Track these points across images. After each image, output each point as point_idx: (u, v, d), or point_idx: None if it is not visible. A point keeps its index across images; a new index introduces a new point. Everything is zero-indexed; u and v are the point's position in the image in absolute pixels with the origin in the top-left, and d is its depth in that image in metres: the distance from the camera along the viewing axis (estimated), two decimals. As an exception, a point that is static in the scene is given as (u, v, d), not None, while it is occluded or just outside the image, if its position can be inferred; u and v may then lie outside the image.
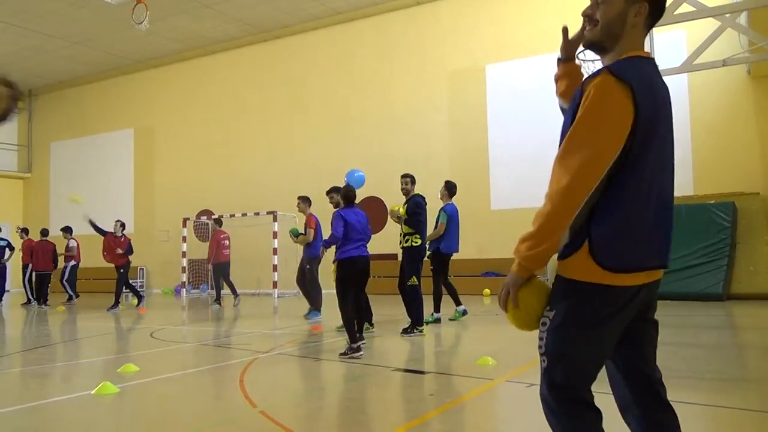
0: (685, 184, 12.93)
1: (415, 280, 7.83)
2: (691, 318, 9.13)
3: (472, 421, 4.10)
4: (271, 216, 16.60)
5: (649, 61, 2.03)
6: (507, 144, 15.83)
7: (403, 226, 8.06)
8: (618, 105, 1.82)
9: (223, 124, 20.45)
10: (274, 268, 16.39)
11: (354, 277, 6.60)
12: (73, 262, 15.68)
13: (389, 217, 8.35)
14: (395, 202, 16.57)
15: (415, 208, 7.98)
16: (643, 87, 1.86)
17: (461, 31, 16.76)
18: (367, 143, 17.77)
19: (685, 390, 4.62)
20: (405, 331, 7.65)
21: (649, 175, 1.88)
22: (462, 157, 16.35)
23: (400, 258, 8.35)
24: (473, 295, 14.18)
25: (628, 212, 1.86)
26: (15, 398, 5.06)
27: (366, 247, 6.81)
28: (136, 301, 14.40)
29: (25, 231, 16.69)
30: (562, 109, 2.40)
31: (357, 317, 6.56)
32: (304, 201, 10.63)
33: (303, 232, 10.31)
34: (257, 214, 17.23)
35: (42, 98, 25.42)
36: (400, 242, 8.11)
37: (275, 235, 16.44)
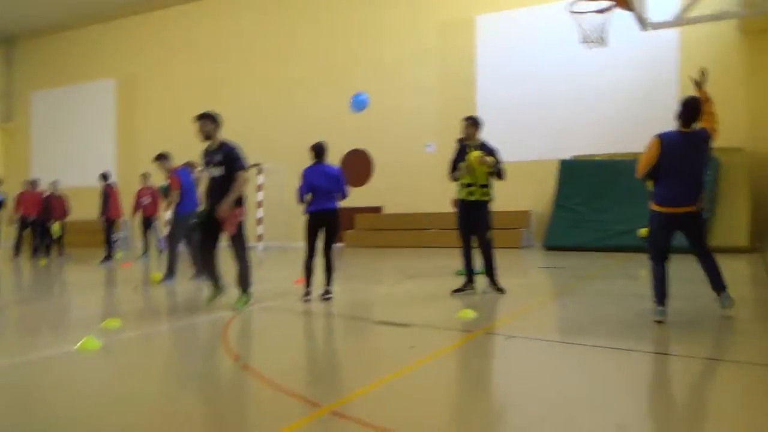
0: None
1: (491, 234, 7.09)
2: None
3: (451, 374, 4.17)
4: (256, 168, 16.45)
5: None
6: (494, 97, 15.71)
7: (479, 176, 6.95)
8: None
9: (208, 74, 20.08)
10: (259, 221, 16.36)
11: (312, 230, 7.21)
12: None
13: (472, 165, 6.85)
14: (382, 154, 16.62)
15: (494, 152, 6.96)
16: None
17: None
18: (353, 93, 17.55)
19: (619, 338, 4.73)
20: (496, 288, 7.16)
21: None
22: (450, 109, 16.21)
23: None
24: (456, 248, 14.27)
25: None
26: (-3, 351, 5.07)
27: (327, 201, 7.13)
28: (121, 253, 14.35)
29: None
30: None
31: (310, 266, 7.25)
32: (162, 159, 9.49)
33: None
34: (242, 166, 17.06)
35: (22, 45, 24.75)
36: (472, 194, 7.03)
37: (260, 188, 16.35)
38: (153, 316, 6.93)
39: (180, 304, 7.50)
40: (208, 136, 6.67)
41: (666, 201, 5.26)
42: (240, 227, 6.60)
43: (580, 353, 4.46)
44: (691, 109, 5.23)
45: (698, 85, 5.66)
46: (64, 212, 14.87)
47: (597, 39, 7.69)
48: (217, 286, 6.78)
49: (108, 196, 13.53)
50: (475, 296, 7.22)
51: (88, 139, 22.54)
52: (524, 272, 10.22)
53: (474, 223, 7.10)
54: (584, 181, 13.58)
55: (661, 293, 5.31)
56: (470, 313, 5.78)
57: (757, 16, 8.42)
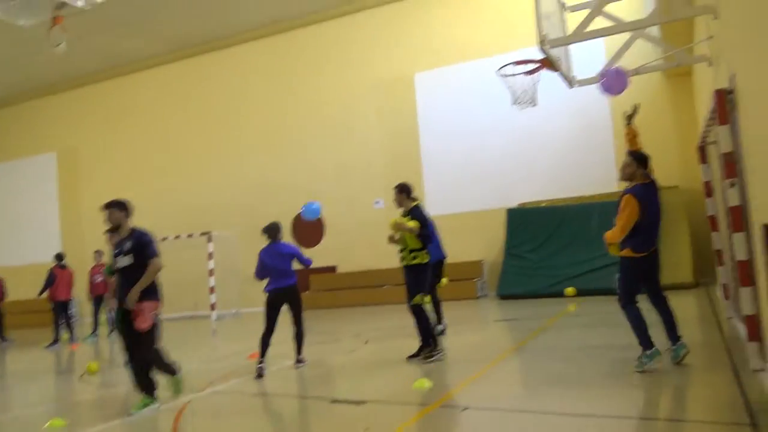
0: (608, 182, 13.37)
1: (423, 299, 7.00)
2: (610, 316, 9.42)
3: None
4: (206, 237, 16.21)
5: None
6: (438, 150, 16.01)
7: (408, 241, 6.99)
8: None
9: (152, 143, 19.91)
10: (211, 290, 16.02)
11: (271, 308, 7.51)
12: None
13: (393, 232, 7.00)
14: (333, 213, 16.63)
15: (419, 215, 6.95)
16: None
17: (390, 41, 16.88)
18: (302, 154, 17.67)
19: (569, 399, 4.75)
20: (428, 356, 6.94)
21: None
22: (396, 164, 16.43)
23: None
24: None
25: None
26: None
27: (284, 279, 7.51)
28: (67, 335, 13.78)
29: None
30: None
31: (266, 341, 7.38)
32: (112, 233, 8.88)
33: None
34: (190, 236, 16.82)
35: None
36: (403, 259, 7.09)
37: (211, 255, 16.07)
38: (100, 410, 6.63)
39: (128, 395, 7.20)
40: (117, 225, 6.22)
41: (643, 247, 5.50)
42: (155, 326, 5.87)
43: (536, 424, 4.43)
44: (644, 159, 5.75)
45: (629, 119, 6.15)
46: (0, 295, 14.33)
47: (528, 100, 7.94)
48: (172, 374, 6.20)
49: (55, 277, 13.15)
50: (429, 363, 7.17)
51: (29, 215, 21.89)
52: (479, 326, 10.25)
53: (407, 288, 7.13)
54: (532, 228, 13.83)
55: (648, 336, 5.46)
56: (426, 383, 5.72)
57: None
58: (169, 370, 6.18)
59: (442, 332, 8.71)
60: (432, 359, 6.95)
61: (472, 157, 15.55)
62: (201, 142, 19.16)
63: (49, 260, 16.06)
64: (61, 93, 21.62)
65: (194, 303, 17.52)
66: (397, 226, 6.91)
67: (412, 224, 6.88)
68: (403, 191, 7.22)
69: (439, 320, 8.79)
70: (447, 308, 11.40)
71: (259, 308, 17.34)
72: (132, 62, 19.93)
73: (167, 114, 19.77)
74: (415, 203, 7.19)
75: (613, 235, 5.52)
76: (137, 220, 20.47)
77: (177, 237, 17.11)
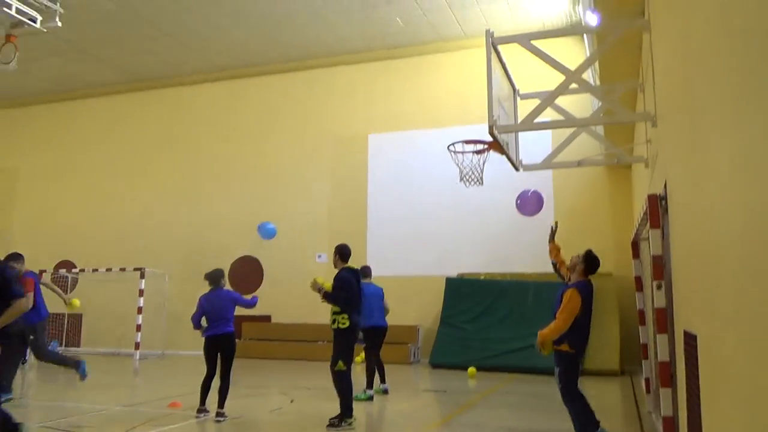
0: (543, 264, 13.74)
1: (343, 365, 7.00)
2: (538, 399, 9.57)
3: None
4: (138, 273, 15.77)
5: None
6: (384, 211, 16.20)
7: (331, 304, 7.13)
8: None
9: (93, 171, 19.42)
10: (138, 327, 15.49)
11: (211, 353, 7.65)
12: None
13: (311, 287, 7.21)
14: (272, 261, 16.51)
15: (337, 283, 7.10)
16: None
17: (349, 98, 17.17)
18: (248, 198, 17.53)
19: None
20: (332, 424, 6.93)
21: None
22: (342, 219, 16.49)
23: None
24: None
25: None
26: None
27: (223, 326, 7.60)
28: None
29: None
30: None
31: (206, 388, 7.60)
32: (16, 259, 8.38)
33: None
34: (123, 269, 16.33)
35: None
36: (331, 322, 7.21)
37: (141, 293, 15.61)
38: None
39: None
40: None
41: (581, 343, 5.77)
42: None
43: None
44: (595, 261, 6.14)
45: (552, 235, 6.52)
46: None
47: (475, 179, 8.21)
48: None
49: None
50: (356, 429, 7.08)
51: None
52: (409, 394, 10.19)
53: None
54: (469, 299, 13.99)
55: (595, 419, 5.65)
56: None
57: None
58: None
59: (384, 391, 9.43)
60: (335, 426, 6.89)
61: (416, 222, 15.80)
62: (141, 175, 18.81)
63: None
64: (4, 109, 21.03)
65: (118, 339, 16.87)
66: (312, 284, 7.18)
67: (326, 285, 7.11)
68: (337, 253, 7.47)
69: (383, 380, 9.48)
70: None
71: (185, 351, 17.00)
72: (81, 88, 19.59)
73: (111, 142, 19.39)
74: (345, 267, 7.34)
75: (553, 331, 5.62)
76: (71, 248, 20.00)
77: (109, 269, 16.59)
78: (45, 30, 14.57)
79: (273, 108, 17.90)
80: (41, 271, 16.69)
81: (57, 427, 7.11)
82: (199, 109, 18.61)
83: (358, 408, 8.51)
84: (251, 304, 7.96)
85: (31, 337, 8.15)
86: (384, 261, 15.91)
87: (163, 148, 18.76)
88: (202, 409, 7.55)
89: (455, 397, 9.79)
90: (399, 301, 12.20)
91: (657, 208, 5.47)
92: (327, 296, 7.06)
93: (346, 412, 7.01)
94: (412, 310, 15.00)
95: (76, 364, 8.62)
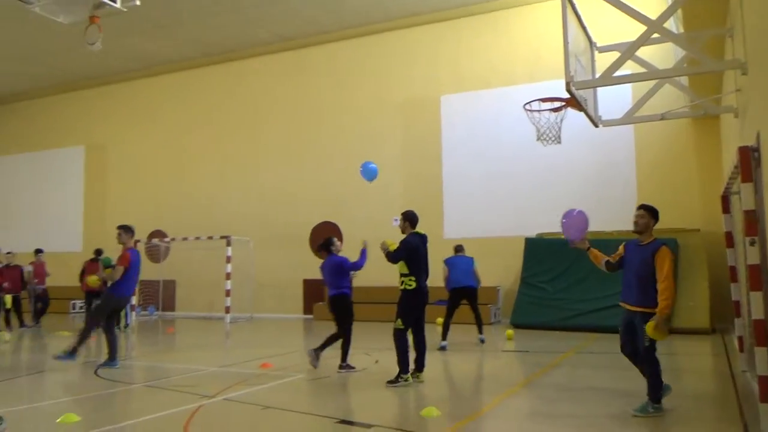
0: (623, 222, 13.36)
1: (401, 323, 7.37)
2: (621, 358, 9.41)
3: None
4: (225, 240, 16.47)
5: None
6: (459, 174, 16.11)
7: (399, 266, 7.42)
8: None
9: (177, 145, 20.24)
10: (227, 293, 16.25)
11: (331, 314, 8.57)
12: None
13: (381, 249, 7.52)
14: (351, 227, 16.80)
15: (401, 245, 7.36)
16: None
17: (417, 61, 17.03)
18: (320, 170, 17.85)
19: None
20: (390, 381, 7.29)
21: None
22: (415, 185, 16.54)
23: None
24: (426, 323, 14.28)
25: None
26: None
27: (331, 289, 8.47)
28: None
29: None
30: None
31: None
32: (126, 231, 9.12)
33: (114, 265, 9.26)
34: (210, 238, 17.08)
35: (-10, 111, 24.73)
36: (399, 283, 7.54)
37: (228, 259, 16.31)
38: (112, 407, 6.79)
39: (138, 396, 7.36)
40: None
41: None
42: None
43: None
44: (657, 215, 5.86)
45: (588, 247, 6.20)
46: (17, 284, 14.72)
47: (552, 137, 8.04)
48: None
49: (86, 269, 14.10)
50: (442, 388, 7.26)
51: (53, 206, 22.33)
52: (490, 355, 10.27)
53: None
54: (549, 259, 13.85)
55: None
56: (434, 412, 5.79)
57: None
58: None
59: (481, 341, 10.69)
60: (394, 384, 7.21)
61: (493, 183, 15.65)
62: (224, 147, 19.44)
63: (70, 250, 16.59)
64: (91, 89, 22.08)
65: (209, 304, 17.76)
66: (381, 245, 7.45)
67: (392, 247, 7.35)
68: (407, 219, 7.65)
69: (480, 331, 10.83)
70: (460, 332, 11.51)
71: (271, 315, 17.72)
72: (161, 64, 20.32)
73: (193, 117, 20.09)
74: (413, 232, 7.56)
75: (668, 302, 5.33)
76: (161, 219, 21.04)
77: (197, 238, 17.39)
78: (125, 9, 15.20)
79: (342, 75, 18.01)
80: (136, 242, 17.70)
81: (160, 386, 7.63)
82: (272, 80, 18.96)
83: (439, 366, 8.69)
84: (358, 265, 8.37)
85: (117, 306, 8.98)
86: (461, 223, 15.94)
87: (242, 119, 19.29)
88: (343, 365, 8.32)
89: (537, 357, 9.80)
90: (478, 263, 12.18)
91: (749, 161, 5.22)
92: (388, 255, 7.39)
93: (402, 368, 7.31)
94: (491, 271, 14.96)
95: (112, 350, 8.87)
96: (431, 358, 8.58)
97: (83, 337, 8.88)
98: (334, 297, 8.38)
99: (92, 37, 15.34)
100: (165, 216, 19.74)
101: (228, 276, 16.31)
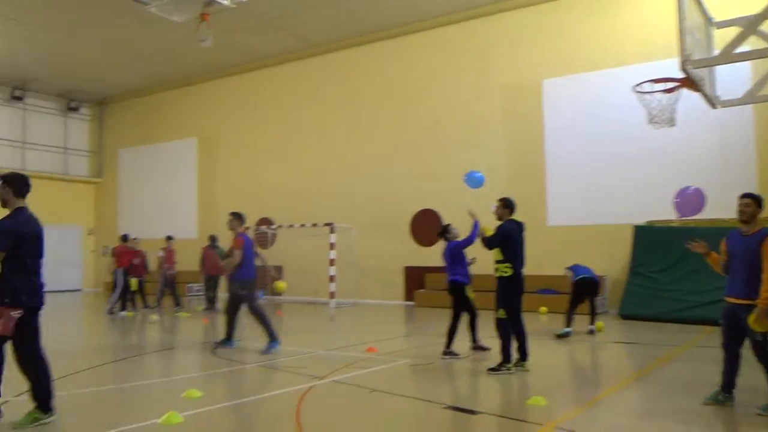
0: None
1: (503, 313, 7.38)
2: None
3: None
4: (328, 228, 16.93)
5: None
6: (564, 159, 15.65)
7: (494, 252, 7.44)
8: None
9: (281, 135, 20.91)
10: (331, 278, 16.72)
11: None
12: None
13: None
14: (452, 214, 16.74)
15: (498, 230, 7.39)
16: None
17: (518, 45, 16.65)
18: (421, 156, 17.88)
19: None
20: (492, 368, 7.32)
21: None
22: (518, 171, 16.24)
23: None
24: (529, 312, 14.07)
25: None
26: (86, 426, 5.41)
27: (448, 276, 8.76)
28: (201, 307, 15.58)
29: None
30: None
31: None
32: (236, 218, 9.48)
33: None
34: (315, 225, 17.60)
35: (111, 107, 26.59)
36: (494, 270, 7.54)
37: (332, 246, 16.77)
38: (230, 385, 7.21)
39: (253, 375, 7.75)
40: (4, 204, 5.36)
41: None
42: (21, 330, 5.09)
43: None
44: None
45: (707, 253, 6.11)
46: (143, 268, 15.81)
47: (665, 120, 7.66)
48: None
49: (206, 256, 15.53)
50: (548, 378, 7.17)
51: (170, 194, 23.75)
52: (599, 346, 10.00)
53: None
54: (661, 248, 13.22)
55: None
56: (541, 401, 5.75)
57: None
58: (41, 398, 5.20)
59: (590, 332, 10.61)
60: (495, 372, 7.23)
61: (599, 168, 15.10)
62: (326, 136, 19.87)
63: (186, 237, 17.71)
64: (202, 83, 23.19)
65: (314, 289, 18.33)
66: (480, 232, 7.72)
67: (488, 232, 7.46)
68: (506, 206, 7.62)
69: (592, 321, 10.81)
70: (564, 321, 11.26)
71: (374, 300, 18.04)
72: (266, 57, 20.99)
73: (297, 108, 20.64)
74: (510, 219, 7.53)
75: None
76: (267, 206, 21.87)
77: (302, 225, 17.98)
78: (234, 5, 15.87)
79: (442, 61, 17.90)
80: (246, 228, 18.56)
81: (272, 366, 8.02)
82: (372, 68, 19.15)
83: (546, 355, 8.56)
84: (467, 241, 8.46)
85: (243, 291, 9.23)
86: (565, 210, 15.54)
87: (343, 109, 19.65)
88: (447, 351, 8.40)
89: (650, 350, 9.44)
90: (583, 251, 11.91)
91: None
92: (484, 240, 7.47)
93: (505, 357, 7.32)
94: (597, 260, 14.49)
95: (271, 335, 9.11)
96: (539, 347, 8.50)
97: (265, 323, 9.13)
98: (448, 283, 8.59)
99: (203, 34, 16.19)
100: (271, 204, 20.52)
101: (332, 262, 16.77)
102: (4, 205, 5.26)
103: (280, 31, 18.57)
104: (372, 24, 18.21)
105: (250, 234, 17.75)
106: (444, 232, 8.85)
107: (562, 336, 10.27)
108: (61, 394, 6.36)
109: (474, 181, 8.93)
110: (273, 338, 9.05)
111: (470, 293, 8.67)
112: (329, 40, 19.46)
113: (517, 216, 7.65)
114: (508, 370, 7.26)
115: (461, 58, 17.56)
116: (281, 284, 10.53)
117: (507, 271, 7.36)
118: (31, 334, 5.24)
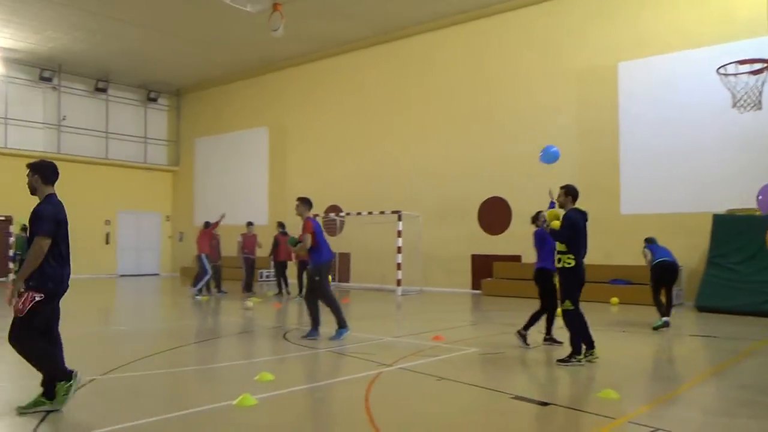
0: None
1: (570, 304, 7.25)
2: None
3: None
4: (396, 215, 17.02)
5: None
6: (638, 146, 15.14)
7: (558, 243, 7.37)
8: None
9: (350, 123, 21.10)
10: (398, 266, 16.83)
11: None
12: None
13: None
14: (520, 202, 16.52)
15: (564, 221, 7.25)
16: None
17: (592, 28, 16.16)
18: (491, 143, 17.67)
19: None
20: (562, 360, 7.27)
21: None
22: (590, 158, 15.82)
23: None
24: (600, 302, 13.81)
25: None
26: (162, 406, 5.67)
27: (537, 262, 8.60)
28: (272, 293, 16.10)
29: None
30: None
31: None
32: (304, 203, 9.45)
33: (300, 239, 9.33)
34: (382, 212, 17.73)
35: (188, 97, 27.51)
36: (556, 261, 7.45)
37: (399, 234, 16.86)
38: (301, 369, 7.40)
39: (322, 360, 7.92)
40: (33, 191, 5.31)
41: None
42: (32, 312, 4.94)
43: None
44: None
45: None
46: (217, 252, 16.44)
47: (751, 103, 7.28)
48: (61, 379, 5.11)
49: (278, 242, 16.03)
50: (620, 371, 7.02)
51: (243, 182, 24.43)
52: (674, 339, 9.68)
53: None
54: (741, 238, 12.62)
55: None
56: (613, 394, 5.63)
57: None
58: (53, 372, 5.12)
59: (666, 324, 10.09)
60: (565, 363, 7.16)
61: (676, 154, 14.52)
62: (394, 124, 19.91)
63: (257, 224, 18.34)
64: (273, 72, 23.65)
65: (381, 276, 18.51)
66: (541, 219, 7.74)
67: (555, 224, 7.27)
68: (569, 194, 7.48)
69: (668, 313, 10.23)
70: (637, 312, 10.97)
71: (439, 288, 18.04)
72: (336, 45, 21.19)
73: (365, 96, 20.77)
74: (574, 207, 7.40)
75: None
76: (336, 194, 22.18)
77: (370, 213, 18.15)
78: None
79: (512, 46, 17.59)
80: (315, 215, 18.90)
81: (341, 352, 8.16)
82: (443, 56, 19.01)
83: (618, 347, 8.36)
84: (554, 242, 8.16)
85: (316, 278, 9.17)
86: (640, 198, 15.06)
87: (411, 96, 19.62)
88: (522, 333, 8.40)
89: (728, 344, 9.06)
90: (658, 241, 11.47)
91: None
92: (552, 233, 7.32)
93: (575, 349, 7.22)
94: (673, 249, 13.94)
95: (340, 323, 9.06)
96: (609, 339, 8.32)
97: (335, 309, 9.08)
98: (535, 271, 8.55)
99: (275, 23, 16.51)
100: (340, 191, 20.79)
101: (399, 250, 16.88)
102: (33, 193, 5.27)
103: (350, 18, 18.69)
104: (440, 10, 18.08)
105: (318, 221, 18.16)
106: (535, 218, 8.68)
107: (659, 327, 10.01)
108: (139, 374, 6.72)
109: (550, 155, 8.72)
110: (342, 325, 9.09)
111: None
112: (398, 27, 19.44)
113: (590, 205, 7.49)
114: (579, 362, 7.17)
115: (532, 42, 17.21)
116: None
117: (570, 261, 7.24)
118: (47, 318, 5.13)
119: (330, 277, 19.42)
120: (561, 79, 16.56)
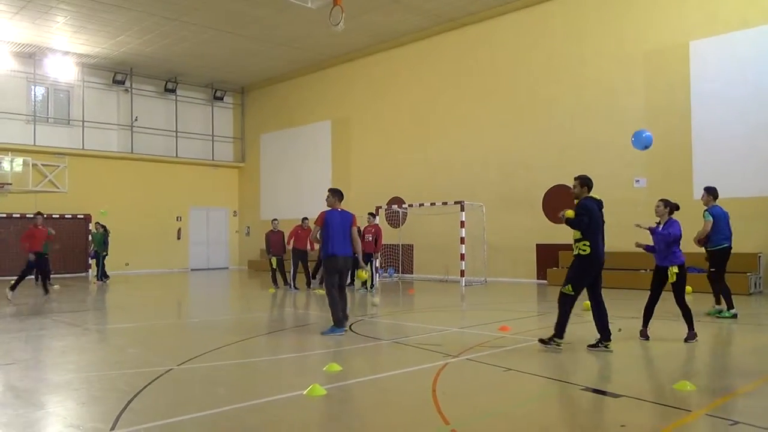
0: None
1: (570, 289, 7.32)
2: None
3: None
4: (459, 206, 16.93)
5: None
6: (712, 128, 14.52)
7: (574, 231, 7.40)
8: None
9: (412, 114, 21.09)
10: (462, 257, 16.75)
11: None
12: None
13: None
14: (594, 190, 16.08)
15: (578, 209, 7.32)
16: None
17: (662, 6, 15.55)
18: (557, 130, 17.31)
19: None
20: (541, 341, 7.53)
21: None
22: (661, 142, 15.17)
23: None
24: (671, 292, 13.31)
25: None
26: (237, 395, 5.86)
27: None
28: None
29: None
30: None
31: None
32: (333, 194, 9.11)
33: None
34: (445, 203, 17.67)
35: (252, 94, 28.12)
36: (573, 248, 7.51)
37: (462, 224, 16.76)
38: (368, 360, 7.48)
39: (388, 351, 7.99)
40: None
41: None
42: None
43: None
44: None
45: None
46: (281, 247, 16.65)
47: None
48: None
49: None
50: (692, 362, 6.78)
51: (308, 176, 24.82)
52: (754, 330, 9.27)
53: None
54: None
55: None
56: (688, 386, 5.46)
57: None
58: None
59: (718, 312, 9.95)
60: (543, 343, 7.41)
61: (753, 136, 13.86)
62: (456, 114, 19.77)
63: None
64: (335, 66, 23.87)
65: (445, 267, 18.46)
66: (560, 215, 7.59)
67: (569, 213, 7.31)
68: (585, 184, 7.60)
69: (718, 302, 10.06)
70: (711, 301, 10.55)
71: (504, 278, 17.82)
72: (395, 37, 21.17)
73: (426, 86, 20.69)
74: (589, 196, 7.48)
75: None
76: (399, 186, 22.27)
77: (432, 204, 18.12)
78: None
79: (578, 28, 17.14)
80: (377, 207, 19.01)
81: (406, 343, 8.21)
82: (505, 43, 18.73)
83: (709, 335, 8.08)
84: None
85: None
86: (714, 182, 14.34)
87: (473, 85, 19.43)
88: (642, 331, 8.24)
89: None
90: (734, 227, 11.00)
91: None
92: (567, 221, 7.32)
93: (558, 332, 7.34)
94: (752, 235, 13.41)
95: (336, 321, 8.86)
96: (684, 328, 8.03)
97: (333, 309, 8.94)
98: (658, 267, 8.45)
99: (336, 18, 16.66)
100: (402, 183, 20.84)
101: (462, 240, 16.79)
102: None
103: (409, 10, 18.65)
104: (499, -4, 17.79)
105: (381, 213, 18.19)
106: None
107: (729, 317, 9.74)
108: (213, 364, 6.95)
109: (643, 140, 8.54)
110: (337, 324, 8.82)
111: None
112: (458, 16, 19.27)
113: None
114: (557, 345, 7.32)
115: (597, 23, 16.74)
116: (363, 273, 10.13)
117: (585, 249, 7.31)
118: None
119: (389, 270, 19.61)
120: (628, 61, 16.04)
